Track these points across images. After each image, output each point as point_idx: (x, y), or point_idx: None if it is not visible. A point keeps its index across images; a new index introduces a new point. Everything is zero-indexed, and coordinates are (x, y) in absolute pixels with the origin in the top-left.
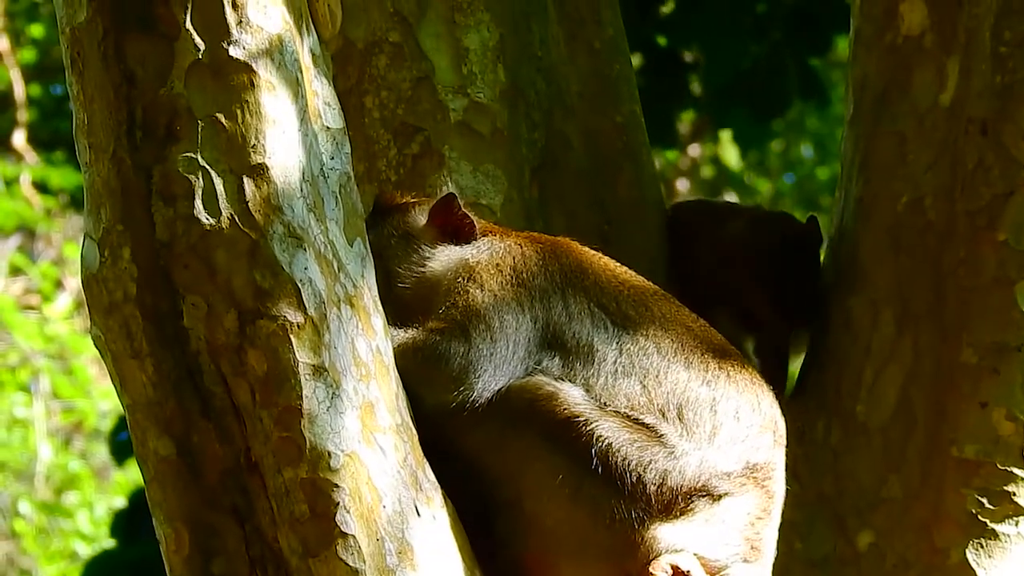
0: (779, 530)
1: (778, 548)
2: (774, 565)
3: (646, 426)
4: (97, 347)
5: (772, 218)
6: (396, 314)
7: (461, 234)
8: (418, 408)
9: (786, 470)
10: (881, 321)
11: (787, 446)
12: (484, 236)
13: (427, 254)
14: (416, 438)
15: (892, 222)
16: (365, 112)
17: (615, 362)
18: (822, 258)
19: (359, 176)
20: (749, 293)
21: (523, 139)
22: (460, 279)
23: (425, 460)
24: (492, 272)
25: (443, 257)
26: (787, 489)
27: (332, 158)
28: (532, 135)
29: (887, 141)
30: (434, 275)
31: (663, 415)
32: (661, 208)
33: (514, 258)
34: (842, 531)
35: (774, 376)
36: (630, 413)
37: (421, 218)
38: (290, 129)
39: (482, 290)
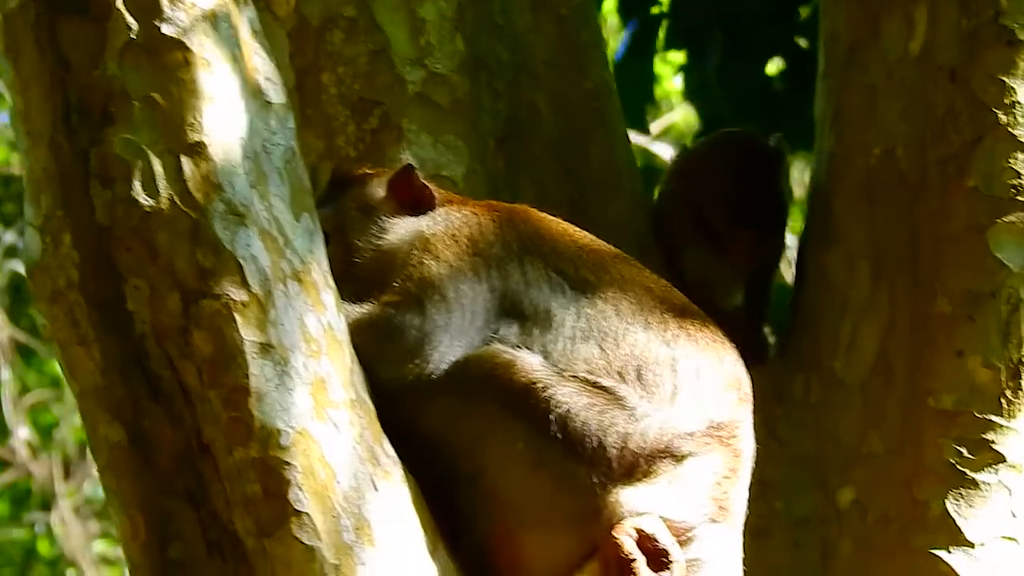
0: (759, 491)
1: (759, 509)
2: (753, 526)
3: (605, 389)
4: (46, 337)
5: (733, 136)
6: (356, 288)
7: (420, 205)
8: (376, 383)
9: (765, 430)
10: (857, 276)
11: (767, 406)
12: (443, 207)
13: (385, 226)
14: (373, 413)
15: (865, 175)
16: (322, 89)
17: (573, 326)
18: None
19: (319, 153)
20: (711, 210)
21: (485, 109)
22: (415, 251)
23: (383, 435)
24: (447, 243)
25: (400, 229)
26: (765, 449)
27: (275, 134)
28: (495, 105)
29: (858, 94)
30: (391, 248)
31: (622, 377)
32: (635, 174)
33: (470, 228)
34: (823, 489)
35: (758, 316)
36: (589, 377)
37: (380, 190)
38: (228, 106)
39: (437, 261)
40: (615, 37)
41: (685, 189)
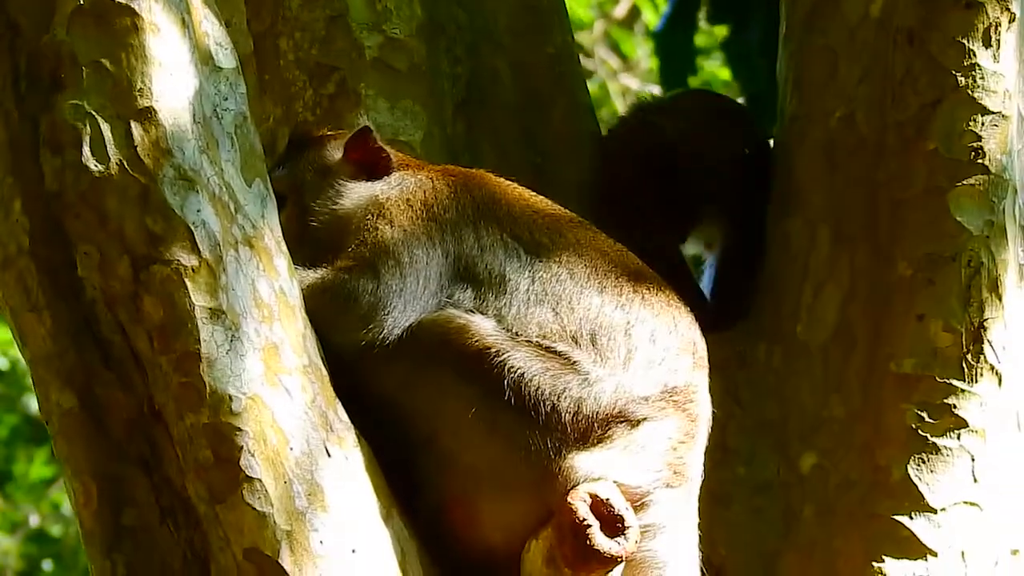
0: (721, 456)
1: (720, 475)
2: (715, 491)
3: (559, 354)
4: None
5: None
6: (312, 252)
7: (377, 168)
8: (330, 349)
9: (726, 395)
10: (818, 240)
11: (729, 371)
12: (399, 171)
13: (341, 190)
14: (327, 379)
15: (826, 139)
16: (280, 54)
17: (527, 290)
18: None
19: (276, 119)
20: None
21: (444, 74)
22: (370, 216)
23: (337, 400)
24: (402, 207)
25: (355, 194)
26: (727, 414)
27: (226, 99)
28: (454, 70)
29: (819, 56)
30: (345, 212)
31: (575, 342)
32: (597, 140)
33: (425, 192)
34: (785, 454)
35: (737, 283)
36: (542, 342)
37: (336, 152)
38: (178, 71)
39: (391, 226)
40: (649, 8)
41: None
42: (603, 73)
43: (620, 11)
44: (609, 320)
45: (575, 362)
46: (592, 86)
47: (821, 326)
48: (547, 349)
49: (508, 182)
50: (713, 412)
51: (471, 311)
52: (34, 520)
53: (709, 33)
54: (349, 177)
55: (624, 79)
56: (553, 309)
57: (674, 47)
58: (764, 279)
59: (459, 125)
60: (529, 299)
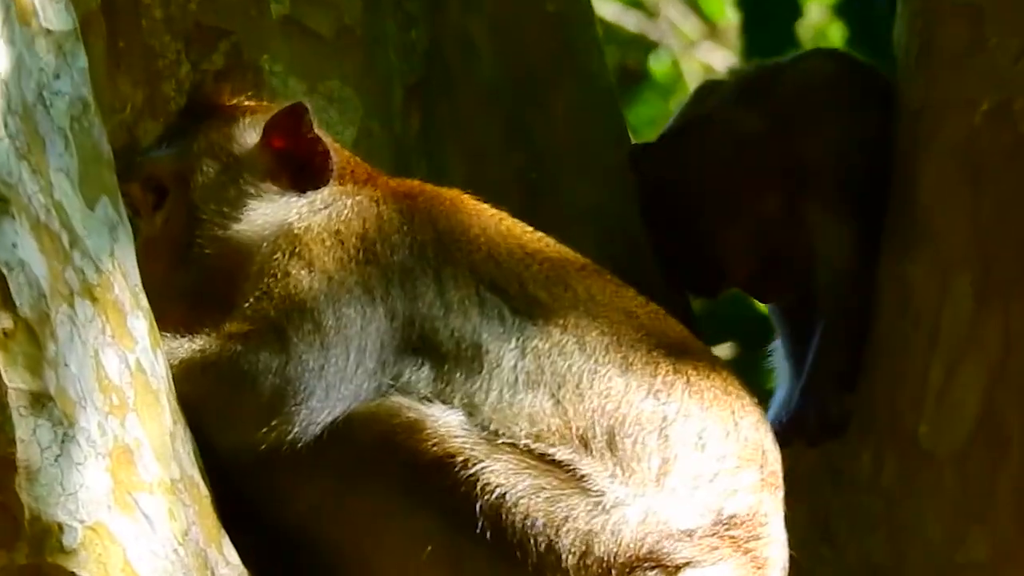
0: None
1: None
2: None
3: (559, 464)
4: None
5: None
6: (189, 290)
7: (308, 172)
8: (215, 454)
9: (812, 528)
10: (953, 293)
11: (817, 492)
12: (336, 184)
13: (247, 197)
14: (208, 499)
15: (965, 141)
16: (142, 11)
17: (515, 368)
18: None
19: (136, 108)
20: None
21: (390, 41)
22: (280, 253)
23: (222, 532)
24: (328, 243)
25: (266, 209)
26: (812, 557)
27: (57, 76)
28: (406, 35)
29: (957, 17)
30: (247, 238)
31: (585, 445)
32: (623, 139)
33: (364, 220)
34: None
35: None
36: (535, 445)
37: (252, 134)
38: None
39: (310, 271)
40: None
41: (725, 144)
42: (675, 44)
43: None
44: (636, 413)
45: (583, 476)
46: (655, 63)
47: (956, 424)
48: (542, 457)
49: (488, 208)
50: (791, 555)
51: (428, 399)
52: None
53: None
54: (263, 176)
55: (707, 53)
56: (553, 395)
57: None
58: (870, 353)
59: (412, 119)
60: (517, 380)
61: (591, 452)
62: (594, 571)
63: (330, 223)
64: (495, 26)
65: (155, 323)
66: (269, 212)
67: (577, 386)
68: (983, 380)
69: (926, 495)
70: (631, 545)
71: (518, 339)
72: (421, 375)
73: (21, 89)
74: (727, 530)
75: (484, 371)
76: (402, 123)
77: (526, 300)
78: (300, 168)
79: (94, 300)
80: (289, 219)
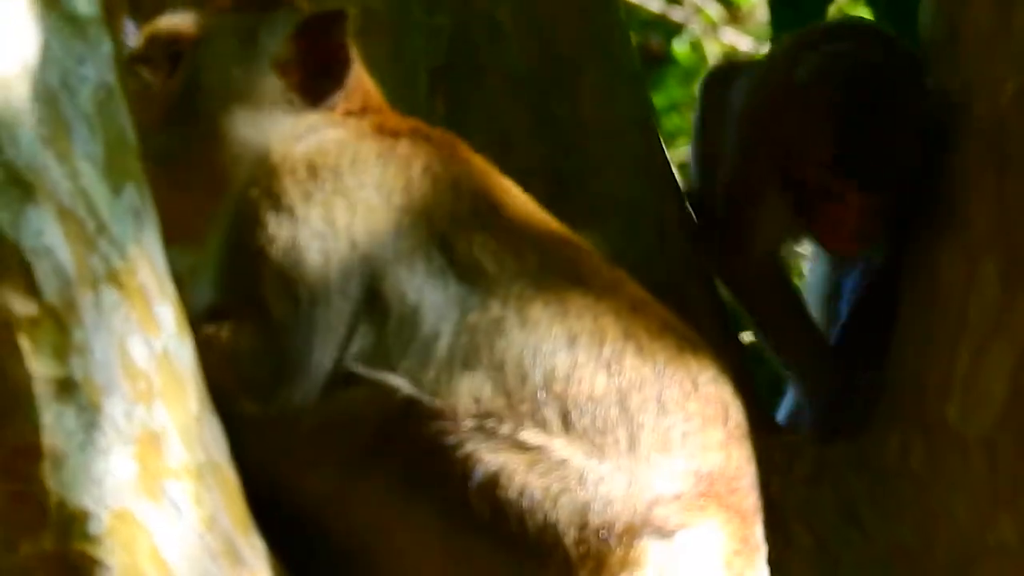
0: None
1: None
2: None
3: (525, 445)
4: None
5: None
6: (164, 156)
7: (321, 80)
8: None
9: (840, 512)
10: (981, 279)
11: (845, 477)
12: (344, 106)
13: (253, 85)
14: (234, 485)
15: (991, 124)
16: None
17: (452, 345)
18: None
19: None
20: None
21: (416, 25)
22: (255, 188)
23: (249, 516)
24: (301, 175)
25: (257, 118)
26: (841, 540)
27: (83, 63)
28: (432, 19)
29: (983, 4)
30: (228, 148)
31: (541, 426)
32: (651, 129)
33: (340, 155)
34: None
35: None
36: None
37: (283, 27)
38: (8, 24)
39: (278, 213)
40: None
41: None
42: (697, 27)
43: None
44: (588, 389)
45: (556, 454)
46: (681, 46)
47: (985, 407)
48: (514, 441)
49: (478, 159)
50: (821, 538)
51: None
52: None
53: None
54: (277, 69)
55: (730, 35)
56: (491, 379)
57: None
58: (898, 337)
59: (437, 103)
60: (453, 358)
61: (550, 432)
62: (593, 544)
63: (307, 153)
64: (521, 9)
65: (182, 309)
66: (258, 124)
67: (518, 363)
68: (1011, 364)
69: (954, 479)
70: (625, 514)
71: (457, 309)
72: (366, 343)
73: (45, 75)
74: (709, 487)
75: (418, 340)
76: (427, 108)
77: (471, 267)
78: (315, 74)
79: (120, 287)
80: (271, 144)
